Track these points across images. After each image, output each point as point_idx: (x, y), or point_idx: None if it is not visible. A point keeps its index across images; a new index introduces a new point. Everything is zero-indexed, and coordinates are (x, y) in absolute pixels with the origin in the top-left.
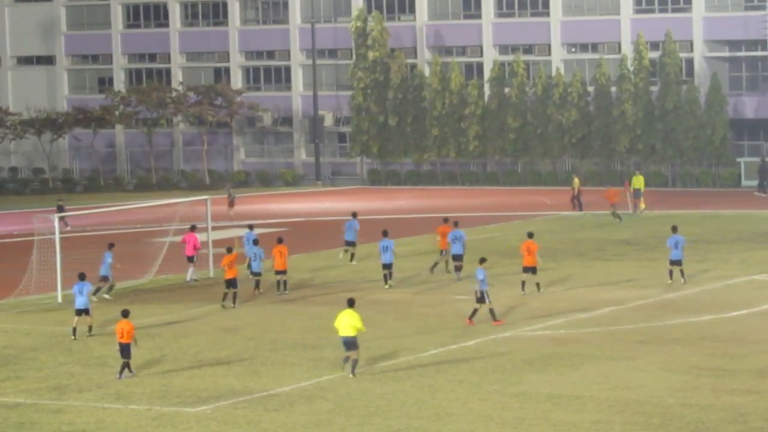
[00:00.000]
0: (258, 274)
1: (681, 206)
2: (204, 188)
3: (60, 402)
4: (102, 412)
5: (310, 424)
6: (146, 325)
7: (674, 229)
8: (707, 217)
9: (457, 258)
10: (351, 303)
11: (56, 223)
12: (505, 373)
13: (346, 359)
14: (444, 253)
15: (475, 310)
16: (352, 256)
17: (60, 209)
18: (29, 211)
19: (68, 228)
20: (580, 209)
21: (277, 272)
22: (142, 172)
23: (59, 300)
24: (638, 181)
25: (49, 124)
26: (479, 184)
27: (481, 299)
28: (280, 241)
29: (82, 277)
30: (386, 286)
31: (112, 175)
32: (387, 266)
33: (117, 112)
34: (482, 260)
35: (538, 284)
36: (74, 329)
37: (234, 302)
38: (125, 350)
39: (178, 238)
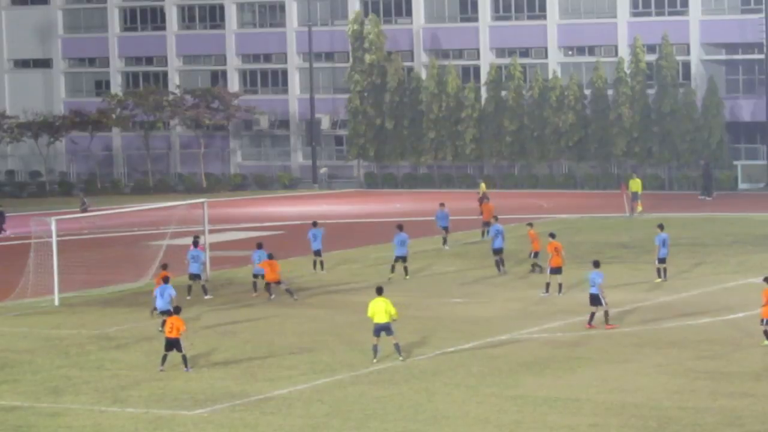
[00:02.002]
0: (256, 276)
1: (677, 209)
2: (201, 191)
3: (57, 405)
4: (99, 416)
5: (306, 428)
6: (143, 327)
7: (661, 227)
8: (704, 220)
9: (499, 252)
10: (380, 291)
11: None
12: (502, 376)
13: (375, 348)
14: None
15: (593, 314)
16: (445, 240)
17: (1, 215)
18: (26, 214)
19: (8, 233)
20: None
21: (273, 283)
22: (139, 175)
23: (56, 303)
24: (635, 184)
25: (46, 127)
26: (476, 187)
27: (596, 302)
28: (270, 257)
29: (165, 279)
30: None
31: (109, 179)
32: (400, 258)
33: (114, 116)
34: (597, 263)
35: (560, 285)
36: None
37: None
38: (174, 344)
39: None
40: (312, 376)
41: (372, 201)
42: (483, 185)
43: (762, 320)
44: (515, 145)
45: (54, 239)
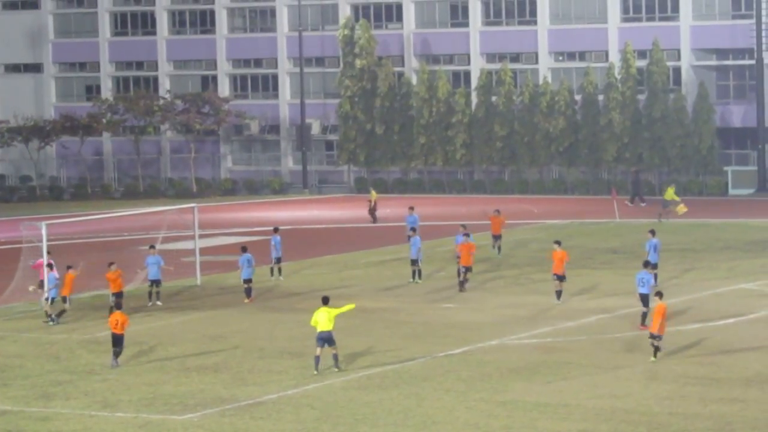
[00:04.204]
0: (248, 281)
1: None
2: (191, 196)
3: (47, 409)
4: (89, 420)
5: None
6: (133, 332)
7: (652, 232)
8: (694, 225)
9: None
10: (325, 301)
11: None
12: (492, 381)
13: (318, 359)
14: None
15: (644, 314)
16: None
17: None
18: (16, 218)
19: None
20: (374, 222)
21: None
22: (129, 179)
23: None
24: (670, 193)
25: (37, 131)
26: (466, 192)
27: (648, 302)
28: (68, 267)
29: (50, 266)
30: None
31: (99, 183)
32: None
33: (104, 120)
34: (647, 263)
35: (560, 292)
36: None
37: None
38: (120, 340)
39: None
40: (302, 380)
41: (362, 206)
42: (373, 193)
43: (652, 335)
44: (506, 151)
45: (44, 244)
